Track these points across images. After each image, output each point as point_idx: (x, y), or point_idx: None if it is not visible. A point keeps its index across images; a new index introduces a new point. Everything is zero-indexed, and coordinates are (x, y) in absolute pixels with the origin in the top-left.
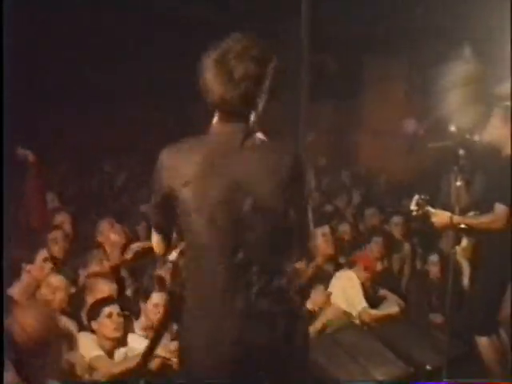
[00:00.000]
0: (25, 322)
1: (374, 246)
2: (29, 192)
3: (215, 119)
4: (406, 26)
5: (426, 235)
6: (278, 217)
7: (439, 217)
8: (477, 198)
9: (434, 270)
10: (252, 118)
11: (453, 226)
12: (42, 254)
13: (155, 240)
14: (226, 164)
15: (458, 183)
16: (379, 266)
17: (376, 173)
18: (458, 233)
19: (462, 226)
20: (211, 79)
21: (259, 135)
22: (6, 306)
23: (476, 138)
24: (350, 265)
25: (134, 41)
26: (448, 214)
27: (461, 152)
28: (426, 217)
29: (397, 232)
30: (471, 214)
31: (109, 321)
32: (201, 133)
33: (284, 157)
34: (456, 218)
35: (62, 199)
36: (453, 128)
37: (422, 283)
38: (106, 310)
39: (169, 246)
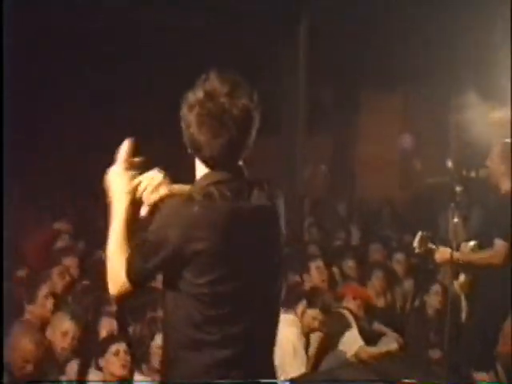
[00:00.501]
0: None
1: (376, 281)
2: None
3: (203, 170)
4: (404, 59)
5: (425, 271)
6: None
7: (441, 253)
8: (474, 233)
9: (433, 301)
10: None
11: (453, 262)
12: (44, 290)
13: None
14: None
15: (456, 220)
16: (381, 302)
17: (376, 206)
18: (457, 268)
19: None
20: (197, 134)
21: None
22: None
23: (473, 174)
24: (338, 298)
25: (135, 41)
26: (449, 250)
27: (457, 189)
28: (428, 254)
29: (399, 268)
30: (471, 243)
31: (116, 358)
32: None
33: (261, 207)
34: (456, 255)
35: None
36: (449, 164)
37: (420, 318)
38: (113, 347)
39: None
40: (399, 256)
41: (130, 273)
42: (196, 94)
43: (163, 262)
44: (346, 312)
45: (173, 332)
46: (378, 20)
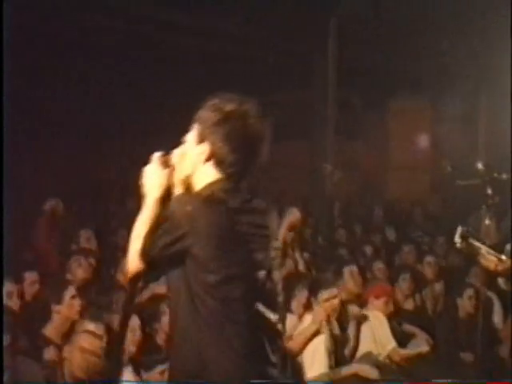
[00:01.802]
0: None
1: (403, 283)
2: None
3: (213, 178)
4: (432, 63)
5: (457, 273)
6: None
7: (487, 260)
8: (506, 235)
9: (466, 305)
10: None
11: (497, 273)
12: (70, 292)
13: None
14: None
15: (487, 222)
16: (411, 304)
17: (407, 209)
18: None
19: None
20: (222, 143)
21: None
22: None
23: (504, 176)
24: (362, 303)
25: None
26: (495, 259)
27: (489, 191)
28: (472, 251)
29: (430, 272)
30: (508, 247)
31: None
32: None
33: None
34: (501, 266)
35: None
36: (480, 165)
37: (452, 321)
38: None
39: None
40: (430, 258)
41: (144, 251)
42: (225, 110)
43: (172, 245)
44: (376, 313)
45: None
46: (406, 24)
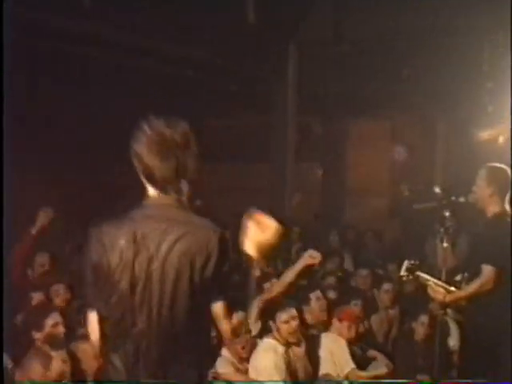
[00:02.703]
0: None
1: (355, 309)
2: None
3: (149, 191)
4: (393, 88)
5: (412, 298)
6: (197, 293)
7: (435, 292)
8: (462, 258)
9: (421, 329)
10: (183, 188)
11: (445, 303)
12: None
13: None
14: (156, 237)
15: (445, 245)
16: (361, 328)
17: (363, 234)
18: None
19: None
20: (145, 155)
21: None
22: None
23: (462, 199)
24: (326, 325)
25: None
26: (443, 291)
27: (447, 214)
28: (418, 281)
29: (387, 299)
30: (458, 277)
31: None
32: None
33: (211, 233)
34: (449, 297)
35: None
36: (437, 189)
37: (408, 344)
38: None
39: None
40: (387, 286)
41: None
42: (144, 133)
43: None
44: (336, 336)
45: None
46: (366, 47)
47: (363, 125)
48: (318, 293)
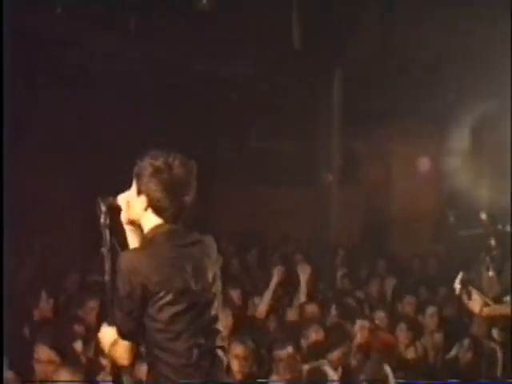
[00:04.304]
0: None
1: (400, 334)
2: None
3: (154, 222)
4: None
5: (457, 323)
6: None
7: (473, 304)
8: (507, 285)
9: (466, 354)
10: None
11: (481, 316)
12: None
13: (123, 349)
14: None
15: (491, 273)
16: (411, 354)
17: (408, 260)
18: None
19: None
20: (156, 192)
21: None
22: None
23: (508, 227)
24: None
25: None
26: (481, 303)
27: (492, 242)
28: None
29: (432, 323)
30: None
31: None
32: None
33: (214, 246)
34: (486, 311)
35: None
36: (484, 216)
37: (453, 370)
38: None
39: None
40: (431, 310)
41: (119, 330)
42: (155, 165)
43: (136, 304)
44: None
45: None
46: (409, 69)
47: (408, 146)
48: (365, 322)
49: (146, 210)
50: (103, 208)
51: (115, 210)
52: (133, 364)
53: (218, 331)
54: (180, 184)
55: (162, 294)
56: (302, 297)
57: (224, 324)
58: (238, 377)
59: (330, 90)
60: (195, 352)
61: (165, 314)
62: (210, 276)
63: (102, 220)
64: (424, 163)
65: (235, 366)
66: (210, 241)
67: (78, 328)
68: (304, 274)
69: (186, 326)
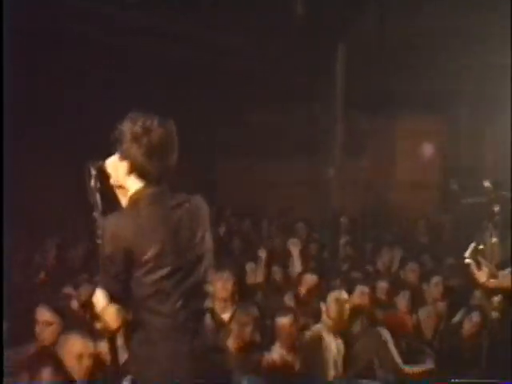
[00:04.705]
0: None
1: (402, 301)
2: None
3: (139, 185)
4: (441, 82)
5: (461, 293)
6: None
7: (479, 274)
8: (508, 253)
9: (470, 325)
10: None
11: (487, 287)
12: None
13: (111, 312)
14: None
15: (494, 239)
16: (410, 321)
17: (413, 229)
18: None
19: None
20: (137, 157)
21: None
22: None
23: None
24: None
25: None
26: (487, 274)
27: (496, 208)
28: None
29: (436, 292)
30: (508, 270)
31: None
32: None
33: (200, 205)
34: (493, 283)
35: None
36: (487, 183)
37: (455, 339)
38: None
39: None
40: (436, 279)
41: (107, 292)
42: (134, 130)
43: (120, 267)
44: (383, 331)
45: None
46: (414, 44)
47: (412, 119)
48: (364, 288)
49: (129, 174)
50: (93, 172)
51: (105, 174)
52: (120, 329)
53: (206, 293)
54: (160, 146)
55: (145, 257)
56: (297, 267)
57: (222, 287)
58: (238, 342)
59: (334, 63)
60: (182, 313)
61: (151, 277)
62: (197, 236)
63: (92, 184)
64: (428, 132)
65: (235, 330)
66: (197, 200)
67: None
68: (295, 247)
69: (173, 289)
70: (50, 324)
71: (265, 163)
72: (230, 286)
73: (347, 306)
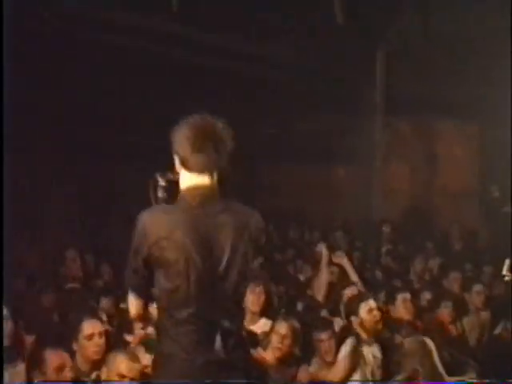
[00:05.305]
0: None
1: (445, 311)
2: None
3: (187, 184)
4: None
5: (502, 301)
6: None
7: None
8: None
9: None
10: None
11: None
12: None
13: (130, 301)
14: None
15: None
16: (453, 331)
17: (453, 237)
18: None
19: None
20: (180, 150)
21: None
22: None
23: None
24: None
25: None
26: None
27: None
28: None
29: (478, 301)
30: None
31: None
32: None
33: (249, 219)
34: None
35: None
36: None
37: (499, 349)
38: None
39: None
40: (478, 287)
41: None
42: (182, 125)
43: (139, 263)
44: (428, 340)
45: None
46: (454, 48)
47: (453, 125)
48: (406, 294)
49: (180, 170)
50: (162, 183)
51: (173, 184)
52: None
53: (231, 309)
54: (203, 141)
55: (166, 259)
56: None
57: (254, 301)
58: (276, 354)
59: (373, 69)
60: (197, 323)
61: (169, 280)
62: (227, 248)
63: (159, 195)
64: (468, 140)
65: (275, 342)
66: (243, 211)
67: None
68: (342, 259)
69: (193, 298)
70: (101, 336)
71: (304, 168)
72: (261, 300)
73: (378, 314)
